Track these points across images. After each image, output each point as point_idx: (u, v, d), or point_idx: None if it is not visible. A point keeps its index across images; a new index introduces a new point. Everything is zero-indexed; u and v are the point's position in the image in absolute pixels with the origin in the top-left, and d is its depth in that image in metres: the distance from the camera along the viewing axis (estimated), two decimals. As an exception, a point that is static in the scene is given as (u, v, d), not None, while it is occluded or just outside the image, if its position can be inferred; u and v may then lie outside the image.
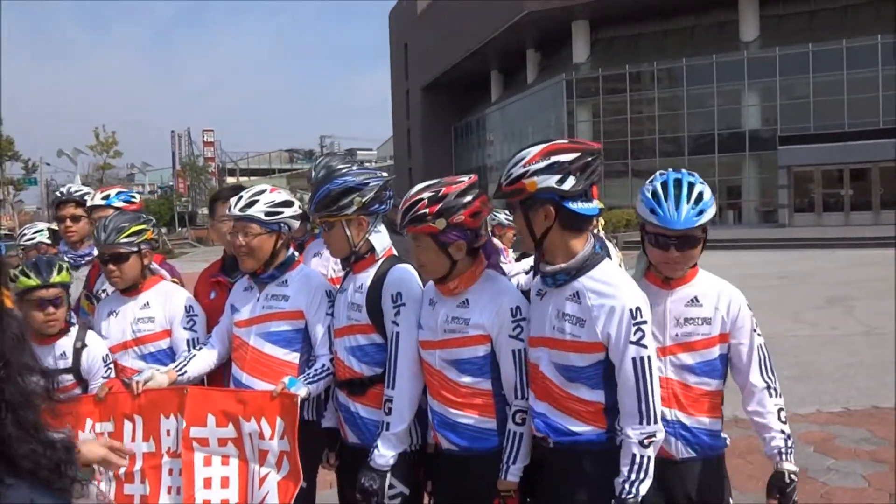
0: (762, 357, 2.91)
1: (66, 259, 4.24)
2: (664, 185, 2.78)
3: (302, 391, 3.24)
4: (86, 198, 4.87)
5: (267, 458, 3.25)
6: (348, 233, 3.24)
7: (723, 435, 2.97)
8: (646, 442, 2.62)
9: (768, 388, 2.90)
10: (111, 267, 3.66)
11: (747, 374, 2.90)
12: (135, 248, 3.68)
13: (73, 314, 3.99)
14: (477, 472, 2.97)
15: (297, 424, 3.19)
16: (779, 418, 2.88)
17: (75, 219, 4.88)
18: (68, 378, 3.75)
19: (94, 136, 53.28)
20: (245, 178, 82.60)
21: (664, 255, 2.78)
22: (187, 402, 3.36)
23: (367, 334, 3.26)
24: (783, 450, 2.84)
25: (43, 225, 5.87)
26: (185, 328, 3.75)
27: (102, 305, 3.93)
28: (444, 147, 64.44)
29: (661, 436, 2.67)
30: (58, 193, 5.13)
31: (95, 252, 4.67)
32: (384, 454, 3.09)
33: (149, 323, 3.75)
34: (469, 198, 2.90)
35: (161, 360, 3.74)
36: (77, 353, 3.76)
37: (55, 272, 3.65)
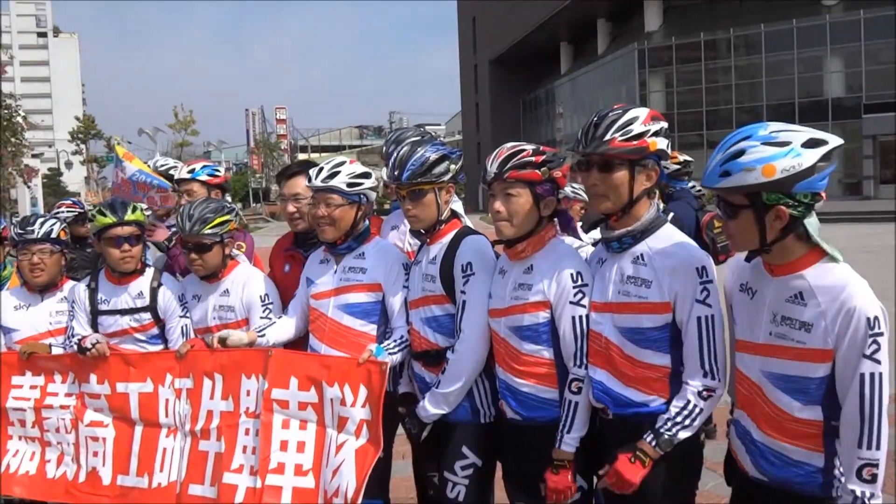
0: (874, 402, 2.24)
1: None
2: None
3: (388, 359, 3.31)
4: (171, 171, 5.00)
5: (346, 426, 3.32)
6: (439, 200, 3.29)
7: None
8: (704, 394, 2.63)
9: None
10: (193, 256, 3.76)
11: (846, 420, 2.29)
12: (218, 239, 3.77)
13: (148, 257, 4.18)
14: (537, 441, 3.00)
15: (383, 392, 3.25)
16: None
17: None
18: (146, 317, 3.96)
19: (174, 115, 54.65)
20: (316, 155, 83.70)
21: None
22: (271, 363, 3.46)
23: (442, 304, 3.31)
24: None
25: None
26: (261, 318, 3.84)
27: (186, 288, 4.06)
28: (513, 121, 63.87)
29: (720, 392, 2.66)
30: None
31: None
32: (428, 409, 3.25)
33: (229, 312, 3.87)
34: (562, 159, 2.97)
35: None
36: (153, 292, 3.97)
37: (129, 211, 3.87)
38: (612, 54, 49.50)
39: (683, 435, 2.63)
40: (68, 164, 55.83)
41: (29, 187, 31.05)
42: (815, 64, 40.84)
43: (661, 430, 2.63)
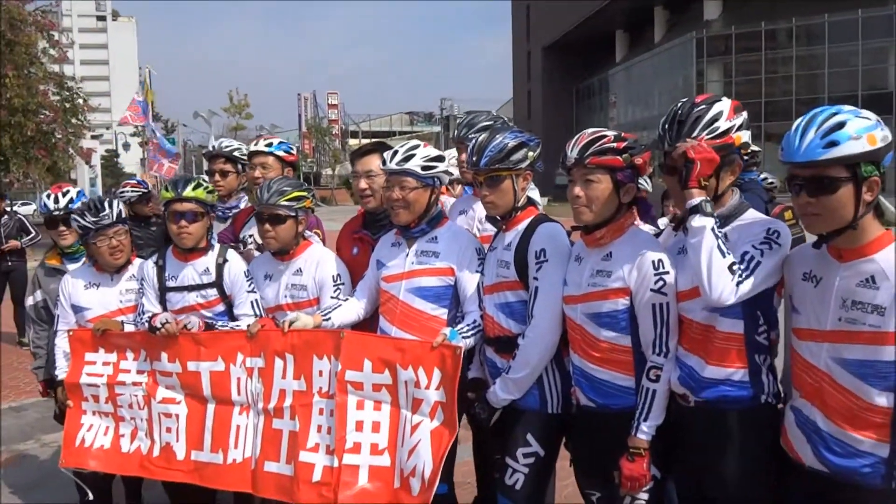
0: None
1: (215, 211, 4.45)
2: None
3: (461, 343, 3.30)
4: (235, 153, 5.05)
5: (420, 407, 3.33)
6: (516, 187, 3.27)
7: None
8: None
9: None
10: (267, 227, 3.80)
11: None
12: (292, 213, 3.80)
13: (214, 234, 4.21)
14: (612, 429, 2.97)
15: (457, 375, 3.25)
16: None
17: (223, 173, 5.04)
18: (212, 293, 4.01)
19: (228, 99, 55.42)
20: (367, 141, 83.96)
21: (797, 203, 2.39)
22: (343, 345, 3.47)
23: (515, 291, 3.30)
24: None
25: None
26: (332, 297, 3.87)
27: (257, 267, 4.10)
28: (565, 109, 63.44)
29: None
30: (210, 148, 5.31)
31: (242, 205, 4.89)
32: (498, 395, 3.27)
33: (301, 291, 3.91)
34: (643, 146, 2.96)
35: None
36: (219, 268, 4.02)
37: (190, 188, 3.90)
38: (669, 43, 48.83)
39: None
40: (126, 146, 56.97)
41: (90, 167, 31.71)
42: (880, 55, 39.82)
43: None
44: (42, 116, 22.13)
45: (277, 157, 4.68)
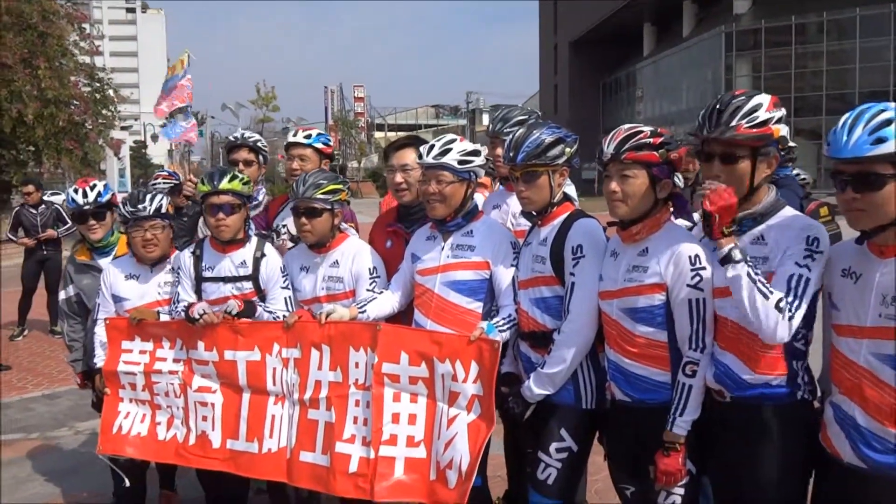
0: None
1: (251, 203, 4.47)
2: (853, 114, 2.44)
3: (499, 337, 3.32)
4: (258, 143, 5.08)
5: (457, 401, 3.35)
6: (552, 182, 3.28)
7: None
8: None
9: None
10: (304, 220, 3.83)
11: None
12: (328, 206, 3.83)
13: (251, 226, 4.25)
14: (647, 424, 2.98)
15: (495, 369, 3.26)
16: None
17: (247, 163, 5.04)
18: (247, 286, 4.05)
19: (256, 91, 55.64)
20: (392, 134, 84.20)
21: (841, 198, 2.40)
22: (380, 337, 3.50)
23: (551, 286, 3.31)
24: None
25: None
26: (367, 290, 3.89)
27: (292, 259, 4.13)
28: (592, 103, 63.11)
29: None
30: (231, 138, 5.33)
31: (261, 197, 4.94)
32: (533, 390, 3.28)
33: (338, 283, 3.94)
34: (679, 142, 2.96)
35: None
36: (256, 262, 4.06)
37: (226, 180, 3.94)
38: (698, 37, 48.44)
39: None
40: (154, 138, 57.41)
41: (119, 158, 32.02)
42: (912, 50, 39.12)
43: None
44: (73, 108, 22.36)
45: (315, 149, 4.67)
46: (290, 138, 4.76)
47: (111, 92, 24.78)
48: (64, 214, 10.84)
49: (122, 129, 34.82)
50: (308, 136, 4.70)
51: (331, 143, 4.87)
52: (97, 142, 24.14)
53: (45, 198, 11.22)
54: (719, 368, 2.81)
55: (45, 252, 10.68)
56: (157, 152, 79.77)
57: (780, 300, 2.51)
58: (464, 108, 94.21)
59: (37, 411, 7.17)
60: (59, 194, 21.15)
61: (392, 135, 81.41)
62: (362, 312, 3.70)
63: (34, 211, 10.67)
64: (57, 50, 21.78)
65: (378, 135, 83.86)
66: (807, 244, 2.59)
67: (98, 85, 24.19)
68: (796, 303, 2.54)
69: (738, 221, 2.75)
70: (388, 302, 3.82)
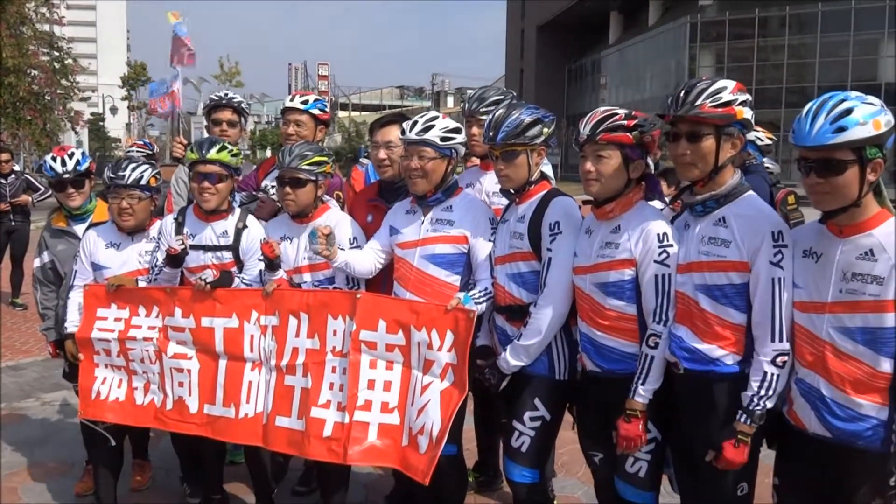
0: None
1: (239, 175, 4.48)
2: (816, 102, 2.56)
3: (475, 308, 3.42)
4: (243, 105, 5.05)
5: (432, 368, 3.44)
6: (530, 161, 3.39)
7: None
8: (779, 361, 2.72)
9: None
10: (287, 190, 3.89)
11: None
12: (313, 177, 3.89)
13: (235, 197, 4.29)
14: (616, 393, 3.12)
15: (470, 338, 3.37)
16: None
17: (231, 124, 5.00)
18: (227, 256, 4.10)
19: (219, 66, 54.52)
20: (356, 114, 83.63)
21: (806, 182, 2.54)
22: (359, 305, 3.58)
23: (528, 261, 3.42)
24: None
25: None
26: None
27: (274, 228, 4.15)
28: (557, 89, 63.29)
29: (790, 352, 2.73)
30: (213, 97, 5.24)
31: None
32: (509, 361, 3.39)
33: None
34: (653, 124, 3.08)
35: (327, 286, 3.95)
36: (238, 232, 4.11)
37: (214, 150, 3.99)
38: (664, 26, 48.82)
39: (769, 405, 2.74)
40: (113, 110, 56.26)
41: (76, 132, 31.37)
42: (871, 47, 40.01)
43: (751, 408, 2.74)
44: (34, 77, 21.91)
45: (312, 114, 4.67)
46: (287, 103, 4.75)
47: (70, 62, 24.31)
48: (35, 182, 10.66)
49: (81, 100, 34.14)
50: (305, 102, 4.69)
51: (327, 110, 4.85)
52: (60, 114, 23.68)
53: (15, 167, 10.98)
54: (674, 342, 2.96)
55: (13, 223, 10.46)
56: (115, 125, 78.31)
57: (774, 359, 2.73)
58: (429, 90, 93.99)
59: (2, 382, 7.10)
60: (16, 164, 20.67)
61: (356, 114, 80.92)
62: (341, 249, 3.75)
63: (4, 181, 10.44)
64: (16, 17, 21.30)
65: (342, 114, 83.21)
66: (774, 242, 2.73)
67: (57, 54, 23.72)
68: (782, 315, 2.72)
69: (702, 202, 2.90)
70: (364, 261, 3.85)
